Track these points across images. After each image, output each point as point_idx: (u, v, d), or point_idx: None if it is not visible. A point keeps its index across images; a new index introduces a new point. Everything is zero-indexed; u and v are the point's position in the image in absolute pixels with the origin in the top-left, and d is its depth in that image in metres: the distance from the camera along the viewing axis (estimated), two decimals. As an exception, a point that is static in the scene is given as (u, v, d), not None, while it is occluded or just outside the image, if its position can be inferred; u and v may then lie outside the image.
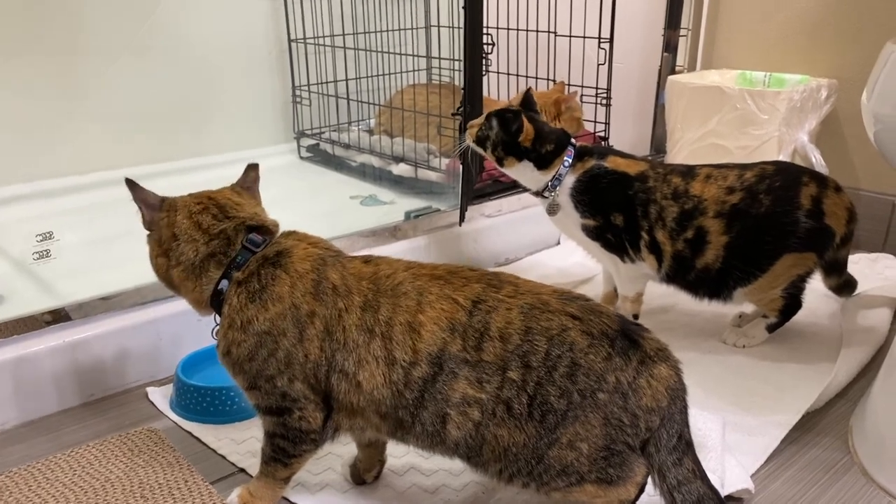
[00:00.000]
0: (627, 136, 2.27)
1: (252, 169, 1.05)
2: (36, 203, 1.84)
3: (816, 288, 1.47)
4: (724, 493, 1.03)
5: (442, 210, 1.76)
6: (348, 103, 2.30)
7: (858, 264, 1.77)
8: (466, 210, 1.71)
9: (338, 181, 2.22)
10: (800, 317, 1.46)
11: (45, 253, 1.24)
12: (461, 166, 1.65)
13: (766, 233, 1.36)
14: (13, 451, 1.15)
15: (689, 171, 1.43)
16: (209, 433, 1.17)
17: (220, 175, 2.14)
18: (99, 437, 1.14)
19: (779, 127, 1.83)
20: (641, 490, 0.91)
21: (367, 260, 0.95)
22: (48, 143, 1.92)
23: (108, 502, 0.97)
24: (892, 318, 1.53)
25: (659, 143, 2.30)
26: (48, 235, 1.25)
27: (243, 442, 1.15)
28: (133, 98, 2.05)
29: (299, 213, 1.96)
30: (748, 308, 1.51)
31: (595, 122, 2.03)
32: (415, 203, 1.85)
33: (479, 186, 1.83)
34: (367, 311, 0.89)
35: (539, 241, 1.92)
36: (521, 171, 1.47)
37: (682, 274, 1.42)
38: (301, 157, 2.38)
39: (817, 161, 1.87)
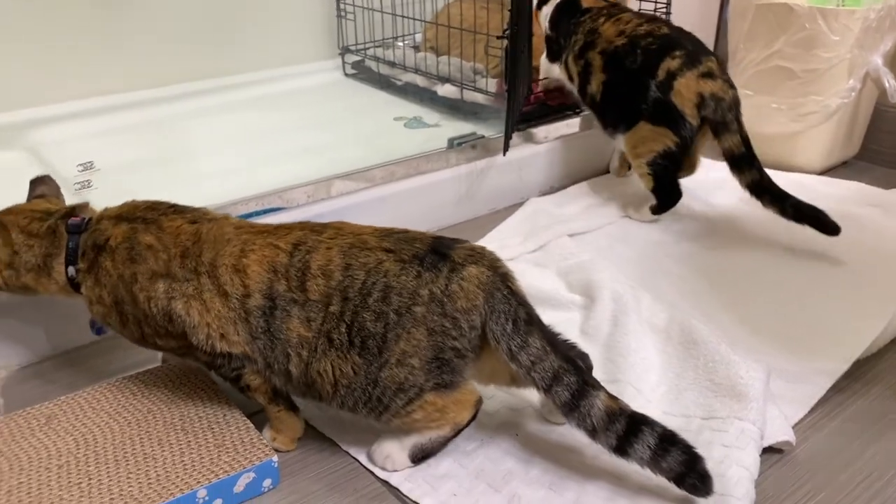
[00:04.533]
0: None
1: (39, 182, 1.14)
2: (74, 124, 1.84)
3: (876, 219, 1.39)
4: (763, 444, 1.01)
5: (487, 136, 1.70)
6: (394, 17, 2.22)
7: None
8: (511, 138, 1.64)
9: (382, 101, 2.16)
10: (856, 250, 1.39)
11: (86, 183, 1.25)
12: (507, 90, 1.58)
13: (627, 88, 1.50)
14: (58, 377, 1.19)
15: (615, 14, 1.61)
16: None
17: (259, 94, 2.13)
18: (142, 366, 1.16)
19: (851, 49, 1.70)
20: (477, 408, 1.00)
21: (194, 220, 1.02)
22: (84, 63, 1.90)
23: (149, 433, 1.00)
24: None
25: (721, 62, 2.17)
26: (89, 165, 1.25)
27: (281, 374, 1.16)
28: (171, 13, 2.01)
29: (342, 136, 1.96)
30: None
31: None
32: (460, 127, 1.80)
33: (527, 111, 1.76)
34: (188, 258, 0.97)
35: (587, 169, 1.85)
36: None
37: (583, 96, 1.65)
38: (346, 75, 2.32)
39: (891, 86, 1.74)
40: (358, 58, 2.30)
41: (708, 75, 1.45)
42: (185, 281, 0.97)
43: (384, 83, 2.22)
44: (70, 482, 0.91)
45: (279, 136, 1.91)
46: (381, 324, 0.92)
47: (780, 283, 1.40)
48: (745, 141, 1.46)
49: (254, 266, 0.95)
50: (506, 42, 1.56)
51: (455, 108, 1.97)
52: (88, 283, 1.02)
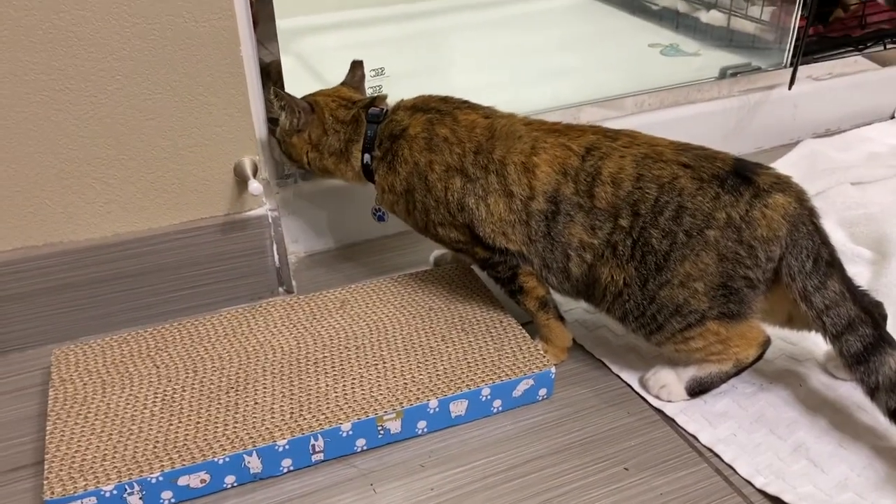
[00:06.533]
0: None
1: (358, 66, 1.15)
2: (359, 31, 1.90)
3: None
4: None
5: (762, 69, 1.58)
6: (655, -62, 2.09)
7: None
8: (797, 70, 1.51)
9: (634, 26, 2.06)
10: None
11: (378, 89, 1.30)
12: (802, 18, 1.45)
13: None
14: (340, 267, 1.28)
15: None
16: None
17: (507, 13, 2.10)
18: (414, 267, 1.22)
19: None
20: (763, 349, 0.95)
21: (487, 115, 1.02)
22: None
23: (433, 329, 1.04)
24: None
25: None
26: (380, 71, 1.29)
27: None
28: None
29: (592, 60, 1.89)
30: None
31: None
32: (722, 57, 1.68)
33: (807, 43, 1.61)
34: (481, 154, 0.98)
35: (869, 113, 1.68)
36: None
37: None
38: (594, -3, 2.24)
39: None
40: (609, -21, 2.20)
41: None
42: (475, 180, 0.98)
43: (636, 7, 2.11)
44: (367, 363, 0.98)
45: (527, 57, 1.88)
46: (667, 242, 0.90)
47: None
48: None
49: (543, 166, 0.95)
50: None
51: (717, 36, 1.84)
52: (381, 171, 1.06)
